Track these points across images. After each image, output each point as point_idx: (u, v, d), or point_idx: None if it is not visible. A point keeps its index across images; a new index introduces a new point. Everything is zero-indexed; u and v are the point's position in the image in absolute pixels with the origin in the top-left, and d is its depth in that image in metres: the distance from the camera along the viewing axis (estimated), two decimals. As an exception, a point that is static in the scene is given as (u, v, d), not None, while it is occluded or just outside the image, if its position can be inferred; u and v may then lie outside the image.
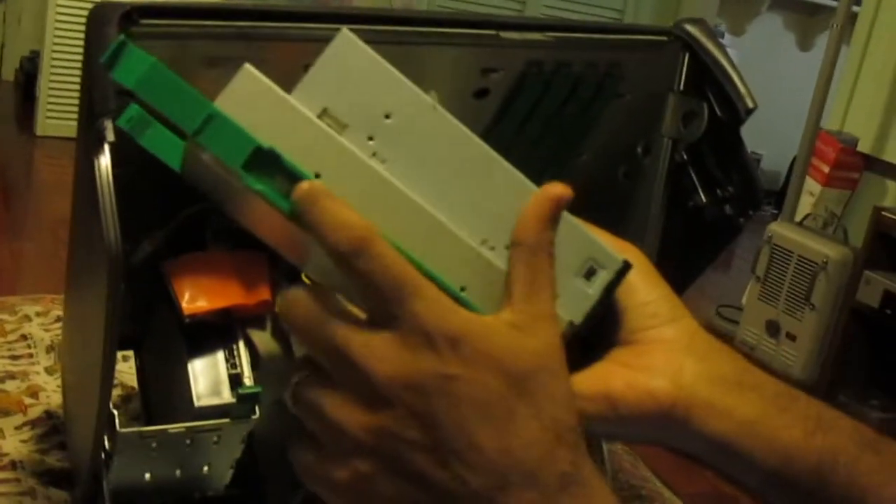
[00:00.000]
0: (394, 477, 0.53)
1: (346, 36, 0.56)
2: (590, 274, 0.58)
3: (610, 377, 0.59)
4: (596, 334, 0.60)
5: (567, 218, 0.59)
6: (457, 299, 0.55)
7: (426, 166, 0.56)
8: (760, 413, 0.60)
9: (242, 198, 0.58)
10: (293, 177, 0.54)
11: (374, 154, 0.56)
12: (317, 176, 0.54)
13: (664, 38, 0.87)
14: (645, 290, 0.62)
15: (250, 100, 0.54)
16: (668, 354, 0.60)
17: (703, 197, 0.89)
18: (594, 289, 0.58)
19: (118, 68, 0.54)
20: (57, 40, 4.50)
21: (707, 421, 0.59)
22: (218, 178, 0.57)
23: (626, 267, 0.59)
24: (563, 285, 0.58)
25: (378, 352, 0.52)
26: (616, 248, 0.60)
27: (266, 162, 0.53)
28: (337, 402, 0.54)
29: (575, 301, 0.58)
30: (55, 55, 4.52)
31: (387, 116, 0.56)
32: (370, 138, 0.56)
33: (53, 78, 4.53)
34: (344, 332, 0.53)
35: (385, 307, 0.52)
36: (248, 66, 0.54)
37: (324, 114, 0.55)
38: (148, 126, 0.56)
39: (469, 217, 0.56)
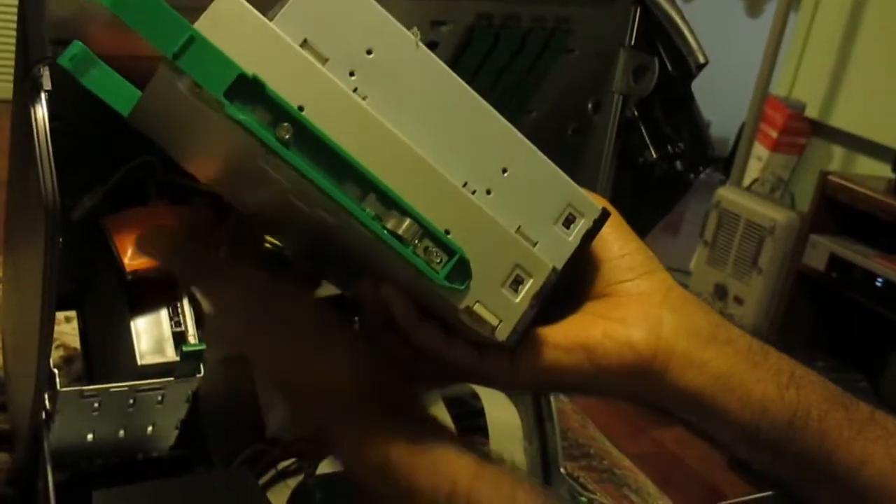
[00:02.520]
0: None
1: None
2: (568, 221, 0.57)
3: (587, 328, 0.59)
4: (570, 288, 0.60)
5: (547, 163, 0.57)
6: (440, 239, 0.53)
7: (406, 105, 0.54)
8: (735, 367, 0.59)
9: (206, 137, 0.56)
10: (275, 108, 0.50)
11: (354, 90, 0.53)
12: (300, 108, 0.51)
13: (615, -8, 0.86)
14: (619, 244, 0.61)
15: (231, 25, 0.50)
16: (645, 307, 0.60)
17: (653, 153, 0.89)
18: (573, 236, 0.57)
19: None
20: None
21: (684, 374, 0.59)
22: (181, 116, 0.54)
23: (605, 215, 0.58)
24: (543, 232, 0.56)
25: None
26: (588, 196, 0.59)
27: (248, 91, 0.50)
28: None
29: (555, 248, 0.57)
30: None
31: (368, 52, 0.54)
32: (351, 73, 0.53)
33: (-4, 39, 4.44)
34: None
35: None
36: None
37: (304, 45, 0.52)
38: (91, 65, 0.53)
39: (449, 159, 0.54)
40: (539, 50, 0.85)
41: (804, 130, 3.32)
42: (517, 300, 0.55)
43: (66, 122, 0.76)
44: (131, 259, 0.80)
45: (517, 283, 0.55)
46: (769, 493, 0.72)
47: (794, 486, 0.61)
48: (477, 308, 0.54)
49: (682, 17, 0.84)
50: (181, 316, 0.83)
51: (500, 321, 0.55)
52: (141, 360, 0.81)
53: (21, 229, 0.82)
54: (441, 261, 0.53)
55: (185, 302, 0.83)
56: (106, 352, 0.88)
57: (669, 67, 0.85)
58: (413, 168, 0.53)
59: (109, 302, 0.85)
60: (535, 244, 0.56)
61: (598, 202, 0.59)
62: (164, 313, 0.83)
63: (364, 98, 0.53)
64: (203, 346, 0.81)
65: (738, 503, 0.66)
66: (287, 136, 0.50)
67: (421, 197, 0.53)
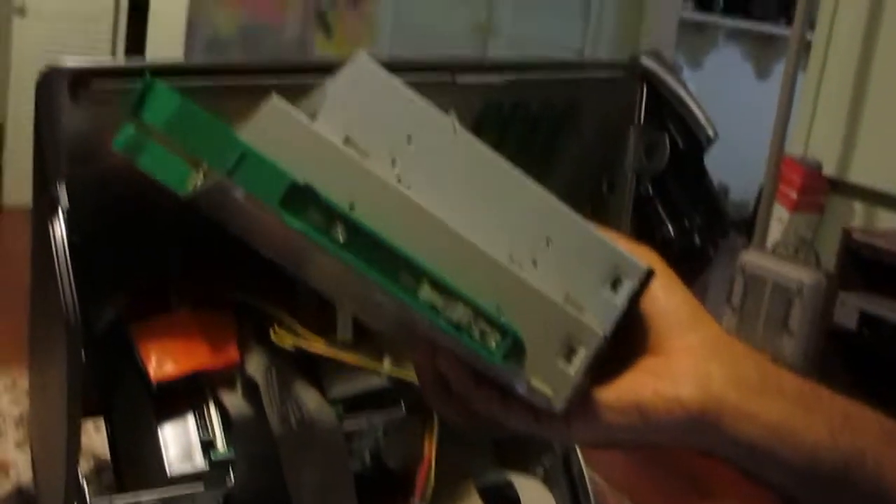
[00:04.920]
0: None
1: (362, 58, 0.54)
2: (615, 284, 0.57)
3: (639, 387, 0.58)
4: (619, 343, 0.60)
5: (588, 227, 0.57)
6: (495, 321, 0.54)
7: (449, 187, 0.55)
8: (786, 415, 0.59)
9: (262, 228, 0.56)
10: (329, 211, 0.52)
11: (398, 179, 0.54)
12: (351, 207, 0.52)
13: (621, 73, 0.86)
14: (665, 297, 0.61)
15: (278, 131, 0.52)
16: (694, 361, 0.59)
17: (670, 228, 0.89)
18: (620, 298, 0.57)
19: (146, 110, 0.51)
20: (20, 111, 4.48)
21: (736, 426, 0.58)
22: (236, 210, 0.55)
23: (650, 274, 0.58)
24: (590, 297, 0.57)
25: None
26: (631, 249, 0.59)
27: (302, 197, 0.51)
28: None
29: (603, 311, 0.56)
30: (18, 126, 4.50)
31: (408, 140, 0.55)
32: (393, 163, 0.54)
33: (18, 149, 4.51)
34: None
35: None
36: (275, 98, 0.52)
37: (347, 142, 0.53)
38: (146, 147, 0.54)
39: (494, 235, 0.55)
40: (550, 133, 0.85)
41: (823, 188, 3.31)
42: (571, 370, 0.55)
43: (86, 236, 0.77)
44: (157, 368, 0.80)
45: (570, 353, 0.55)
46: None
47: None
48: (533, 381, 0.55)
49: (689, 92, 0.85)
50: (208, 422, 0.83)
51: (556, 392, 0.55)
52: (170, 469, 0.80)
53: (44, 341, 0.82)
54: (496, 341, 0.54)
55: (212, 408, 0.83)
56: (135, 460, 0.88)
57: (680, 143, 0.85)
58: (462, 252, 0.54)
59: (136, 410, 0.85)
60: (582, 309, 0.56)
61: (645, 256, 0.59)
62: (191, 420, 0.83)
63: (408, 186, 0.54)
64: (231, 454, 0.81)
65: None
66: (342, 237, 0.52)
67: (472, 280, 0.54)
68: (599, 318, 0.56)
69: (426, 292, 0.53)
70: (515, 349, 0.54)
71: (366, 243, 0.52)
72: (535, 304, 0.55)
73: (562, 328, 0.55)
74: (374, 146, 0.54)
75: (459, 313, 0.53)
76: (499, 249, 0.55)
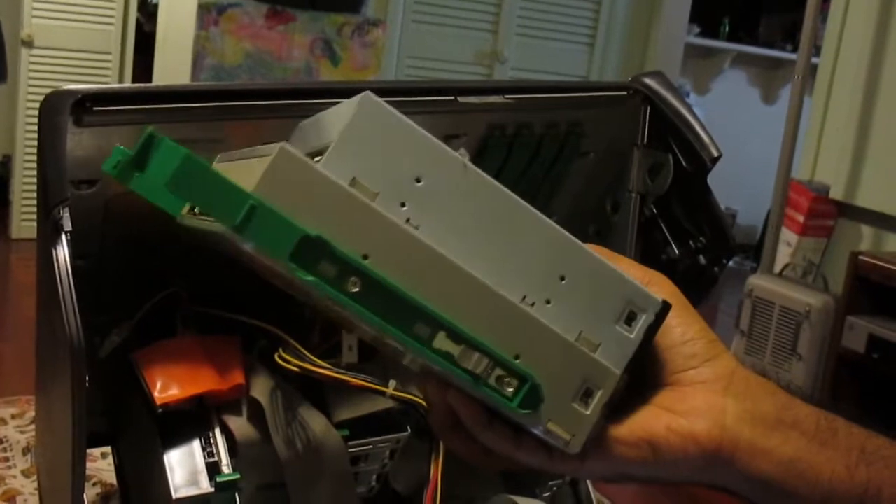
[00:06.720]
0: None
1: (369, 98, 0.52)
2: (630, 319, 0.57)
3: (651, 422, 0.58)
4: (635, 376, 0.59)
5: (602, 262, 0.57)
6: (511, 367, 0.53)
7: (460, 226, 0.53)
8: (802, 450, 0.59)
9: (269, 271, 0.55)
10: (342, 263, 0.50)
11: (407, 220, 0.52)
12: (364, 258, 0.50)
13: (624, 94, 0.86)
14: (680, 329, 0.61)
15: (288, 181, 0.49)
16: (708, 396, 0.59)
17: (675, 249, 0.88)
18: (636, 333, 0.57)
19: (150, 165, 0.49)
20: (28, 143, 4.50)
21: (751, 462, 0.58)
22: (243, 255, 0.54)
23: (666, 308, 0.57)
24: (605, 333, 0.56)
25: None
26: (646, 279, 0.59)
27: (314, 250, 0.49)
28: None
29: (618, 347, 0.56)
30: (27, 158, 4.52)
31: (417, 180, 0.52)
32: (402, 204, 0.52)
33: (26, 181, 4.53)
34: None
35: None
36: (284, 146, 0.49)
37: (353, 184, 0.51)
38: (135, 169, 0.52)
39: (507, 275, 0.54)
40: (554, 155, 0.85)
41: (830, 212, 3.31)
42: (588, 412, 0.55)
43: (90, 260, 0.77)
44: (161, 392, 0.80)
45: (587, 396, 0.55)
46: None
47: None
48: (550, 426, 0.55)
49: (692, 112, 0.85)
50: (214, 446, 0.82)
51: (573, 435, 0.55)
52: (175, 493, 0.80)
53: (49, 368, 0.82)
54: (513, 387, 0.53)
55: (217, 431, 0.83)
56: (141, 486, 0.88)
57: (684, 163, 0.85)
58: (475, 294, 0.53)
59: (142, 436, 0.85)
60: (597, 346, 0.56)
61: (660, 285, 0.59)
62: (196, 444, 0.82)
63: (417, 227, 0.52)
64: (237, 476, 0.81)
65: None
66: (355, 290, 0.50)
67: (487, 326, 0.53)
68: (615, 355, 0.56)
69: (441, 341, 0.52)
70: (533, 396, 0.54)
71: (380, 295, 0.51)
72: (551, 346, 0.54)
73: (578, 369, 0.55)
74: (382, 187, 0.52)
75: (475, 361, 0.53)
76: (512, 289, 0.54)
